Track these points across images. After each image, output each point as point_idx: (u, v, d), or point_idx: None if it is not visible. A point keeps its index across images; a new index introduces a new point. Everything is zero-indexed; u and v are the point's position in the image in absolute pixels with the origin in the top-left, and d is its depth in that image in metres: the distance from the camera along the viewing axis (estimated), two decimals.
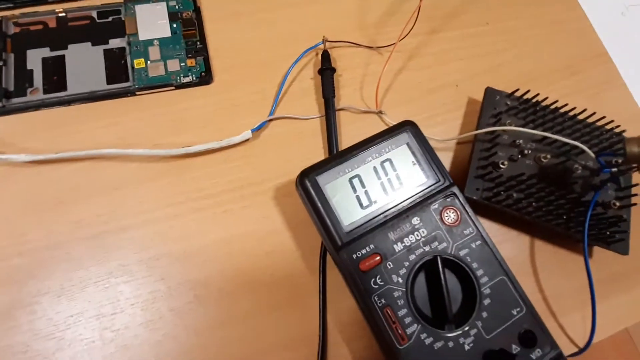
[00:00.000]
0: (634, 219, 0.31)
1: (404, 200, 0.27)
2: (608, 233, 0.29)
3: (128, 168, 0.32)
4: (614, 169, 0.29)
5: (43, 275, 0.28)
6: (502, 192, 0.30)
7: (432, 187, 0.27)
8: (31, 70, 0.33)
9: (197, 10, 0.37)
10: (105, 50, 0.35)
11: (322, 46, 0.37)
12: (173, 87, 0.34)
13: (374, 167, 0.27)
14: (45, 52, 0.34)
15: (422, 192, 0.27)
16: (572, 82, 0.39)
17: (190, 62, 0.35)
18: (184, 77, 0.34)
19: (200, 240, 0.30)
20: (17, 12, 0.35)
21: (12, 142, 0.32)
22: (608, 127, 0.33)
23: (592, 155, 0.30)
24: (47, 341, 0.27)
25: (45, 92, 0.33)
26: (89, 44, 0.35)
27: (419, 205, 0.27)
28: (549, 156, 0.31)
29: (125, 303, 0.28)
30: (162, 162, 0.32)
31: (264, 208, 0.31)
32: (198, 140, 0.32)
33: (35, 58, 0.34)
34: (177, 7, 0.37)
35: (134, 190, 0.31)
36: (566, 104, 0.33)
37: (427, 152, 0.28)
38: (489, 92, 0.34)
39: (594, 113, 0.33)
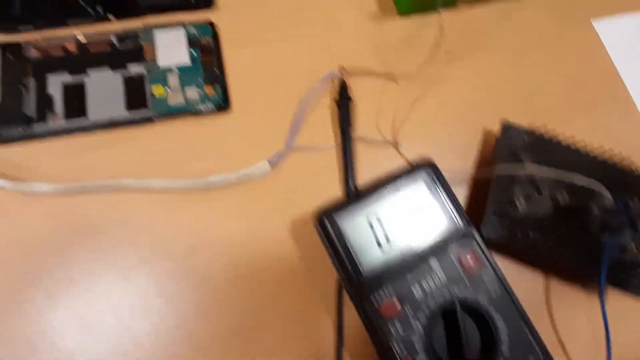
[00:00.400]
0: None
1: (423, 243, 0.27)
2: (624, 276, 0.29)
3: (146, 199, 0.32)
4: (632, 213, 0.29)
5: (60, 305, 0.29)
6: (519, 232, 0.30)
7: (451, 229, 0.27)
8: (51, 96, 0.34)
9: (215, 37, 0.37)
10: (124, 77, 0.35)
11: (339, 74, 0.37)
12: (191, 116, 0.34)
13: (393, 208, 0.28)
14: (66, 77, 0.34)
15: (440, 234, 0.27)
16: (592, 117, 0.38)
17: (209, 89, 0.35)
18: (202, 105, 0.35)
19: (215, 272, 0.30)
20: (37, 35, 0.35)
21: (31, 169, 0.32)
22: (628, 167, 0.33)
23: (610, 197, 0.30)
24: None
25: (66, 117, 0.33)
26: (109, 69, 0.35)
27: (438, 247, 0.27)
28: (566, 195, 0.31)
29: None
30: (180, 193, 0.32)
31: (280, 238, 0.32)
32: (216, 169, 0.33)
33: (55, 83, 0.34)
34: (195, 33, 0.37)
35: (151, 222, 0.31)
36: (583, 141, 0.33)
37: (445, 192, 0.28)
38: (506, 127, 0.34)
39: (613, 152, 0.33)
